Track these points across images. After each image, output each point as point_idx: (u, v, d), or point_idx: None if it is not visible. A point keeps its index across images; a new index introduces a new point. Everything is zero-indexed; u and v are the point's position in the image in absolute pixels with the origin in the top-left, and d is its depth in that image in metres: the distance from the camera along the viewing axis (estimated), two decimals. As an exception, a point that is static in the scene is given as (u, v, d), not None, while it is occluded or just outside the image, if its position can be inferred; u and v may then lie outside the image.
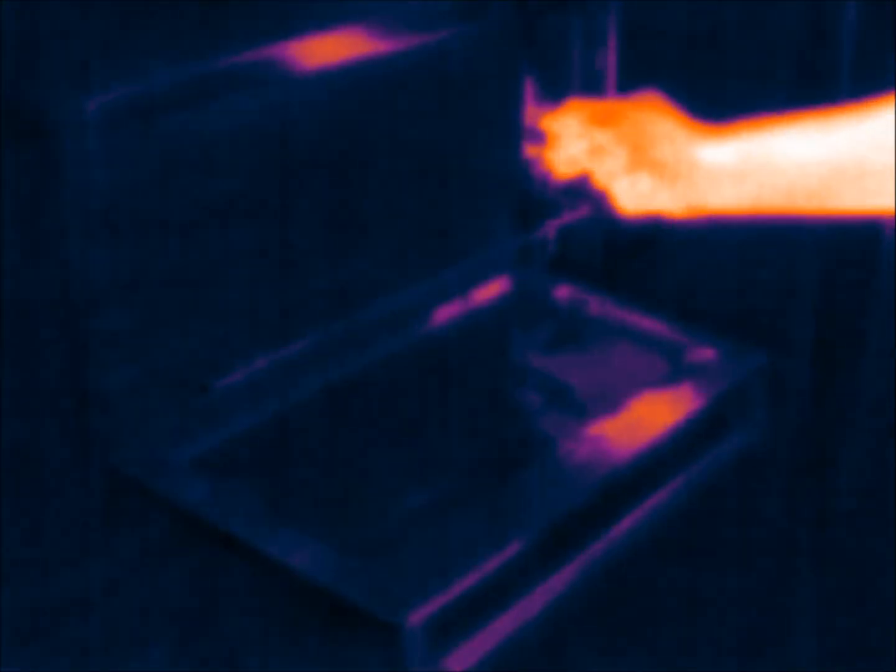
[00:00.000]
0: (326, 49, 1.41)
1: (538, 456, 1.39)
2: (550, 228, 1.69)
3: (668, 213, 1.30)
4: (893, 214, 1.18)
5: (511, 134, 1.65)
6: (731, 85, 1.71)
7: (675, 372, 1.51)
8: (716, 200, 1.27)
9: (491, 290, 1.67)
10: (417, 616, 1.16)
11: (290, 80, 1.38)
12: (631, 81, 1.70)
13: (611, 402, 1.46)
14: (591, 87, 1.69)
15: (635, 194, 1.29)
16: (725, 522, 1.57)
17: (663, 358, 1.54)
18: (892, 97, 1.17)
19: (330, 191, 1.48)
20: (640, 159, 1.28)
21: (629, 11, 1.70)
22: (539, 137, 1.40)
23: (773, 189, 1.24)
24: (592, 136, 1.30)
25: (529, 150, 1.65)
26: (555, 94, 1.63)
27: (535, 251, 1.71)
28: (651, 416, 1.44)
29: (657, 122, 1.30)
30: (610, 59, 1.70)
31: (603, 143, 1.29)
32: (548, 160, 1.35)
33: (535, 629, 1.28)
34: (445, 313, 1.61)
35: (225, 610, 1.28)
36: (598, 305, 1.65)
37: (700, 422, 1.46)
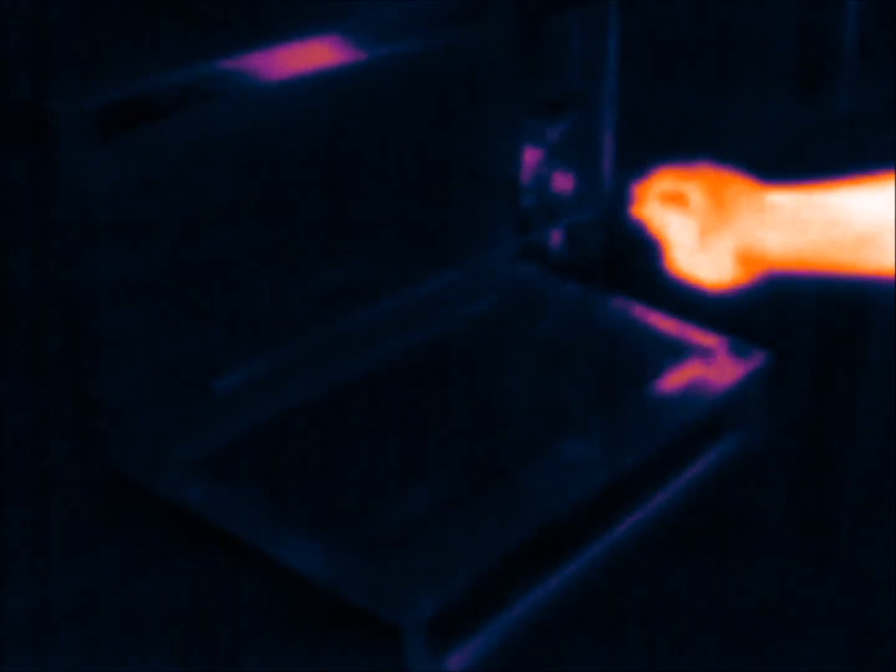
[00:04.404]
0: (328, 50, 1.41)
1: (538, 456, 1.39)
2: (551, 228, 1.69)
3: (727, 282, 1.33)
4: None
5: (512, 135, 1.65)
6: (731, 84, 1.71)
7: (675, 372, 1.51)
8: (776, 253, 1.30)
9: (491, 290, 1.67)
10: (417, 616, 1.16)
11: (291, 81, 1.38)
12: (631, 82, 1.70)
13: (611, 401, 1.46)
14: (591, 87, 1.69)
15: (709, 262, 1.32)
16: (726, 522, 1.57)
17: (664, 358, 1.54)
18: None
19: (331, 192, 1.48)
20: (718, 221, 1.31)
21: (629, 12, 1.70)
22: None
23: (832, 244, 1.27)
24: (679, 201, 1.33)
25: (529, 152, 1.65)
26: (555, 93, 1.63)
27: (535, 251, 1.71)
28: (651, 415, 1.44)
29: (731, 183, 1.33)
30: (610, 60, 1.70)
31: (688, 207, 1.32)
32: (639, 219, 1.38)
33: (535, 629, 1.28)
34: (445, 313, 1.61)
35: (225, 610, 1.28)
36: (598, 305, 1.65)
37: (701, 421, 1.46)
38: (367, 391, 1.50)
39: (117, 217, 1.28)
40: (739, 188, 1.32)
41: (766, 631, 1.68)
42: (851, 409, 1.85)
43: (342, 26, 1.42)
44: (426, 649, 1.17)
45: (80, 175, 1.24)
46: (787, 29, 1.73)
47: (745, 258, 1.32)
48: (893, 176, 1.24)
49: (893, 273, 1.26)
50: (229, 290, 1.41)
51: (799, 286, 1.77)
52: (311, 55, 1.40)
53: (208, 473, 1.33)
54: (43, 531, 1.30)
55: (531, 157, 1.65)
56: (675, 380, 1.49)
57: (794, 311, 1.80)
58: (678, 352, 1.54)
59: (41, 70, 1.21)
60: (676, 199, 1.35)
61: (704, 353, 1.53)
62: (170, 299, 1.35)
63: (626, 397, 1.46)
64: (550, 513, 1.29)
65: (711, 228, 1.32)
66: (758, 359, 1.52)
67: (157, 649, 1.32)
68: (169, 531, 1.30)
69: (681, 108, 1.56)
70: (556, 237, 1.71)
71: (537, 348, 1.64)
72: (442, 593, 1.18)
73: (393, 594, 1.18)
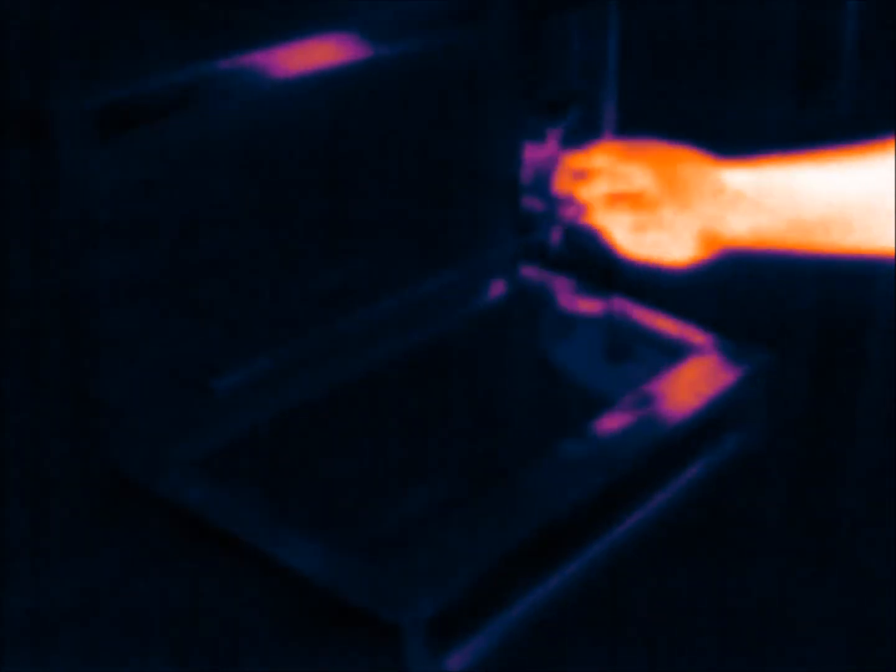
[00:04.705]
0: (328, 50, 1.41)
1: (538, 456, 1.39)
2: (551, 228, 1.69)
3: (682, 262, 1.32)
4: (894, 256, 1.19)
5: (512, 135, 1.65)
6: (731, 84, 1.71)
7: (674, 372, 1.51)
8: (733, 231, 1.28)
9: (491, 290, 1.67)
10: (417, 616, 1.16)
11: (291, 81, 1.39)
12: (631, 82, 1.70)
13: (611, 401, 1.46)
14: (591, 87, 1.69)
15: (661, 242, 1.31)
16: (726, 522, 1.57)
17: (664, 357, 1.54)
18: None
19: (331, 192, 1.48)
20: (671, 199, 1.30)
21: (629, 12, 1.70)
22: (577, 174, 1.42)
23: (788, 221, 1.26)
24: (626, 176, 1.32)
25: (530, 152, 1.65)
26: (555, 93, 1.63)
27: (535, 251, 1.71)
28: (651, 415, 1.44)
29: (684, 160, 1.31)
30: (610, 60, 1.70)
31: (638, 184, 1.31)
32: (580, 197, 1.37)
33: (535, 629, 1.28)
34: (445, 313, 1.61)
35: (225, 610, 1.28)
36: (598, 305, 1.65)
37: (700, 421, 1.46)
38: (367, 391, 1.50)
39: (117, 217, 1.28)
40: (683, 163, 1.31)
41: (766, 631, 1.68)
42: (851, 409, 1.85)
43: (342, 26, 1.42)
44: (426, 649, 1.17)
45: (80, 175, 1.24)
46: (787, 29, 1.73)
47: (696, 235, 1.30)
48: (849, 151, 1.22)
49: (849, 251, 1.24)
50: (229, 290, 1.41)
51: (799, 286, 1.77)
52: (311, 55, 1.40)
53: (208, 473, 1.33)
54: (43, 531, 1.30)
55: (532, 156, 1.65)
56: (674, 380, 1.49)
57: (794, 311, 1.80)
58: (677, 352, 1.54)
59: (41, 70, 1.21)
60: (614, 177, 1.33)
61: (703, 354, 1.53)
62: (170, 299, 1.35)
63: (626, 397, 1.46)
64: (550, 513, 1.29)
65: (652, 206, 1.30)
66: (757, 359, 1.52)
67: (157, 649, 1.32)
68: (169, 531, 1.30)
69: (681, 108, 1.55)
70: (556, 237, 1.71)
71: (537, 348, 1.64)
72: (442, 593, 1.18)
73: (393, 594, 1.18)
